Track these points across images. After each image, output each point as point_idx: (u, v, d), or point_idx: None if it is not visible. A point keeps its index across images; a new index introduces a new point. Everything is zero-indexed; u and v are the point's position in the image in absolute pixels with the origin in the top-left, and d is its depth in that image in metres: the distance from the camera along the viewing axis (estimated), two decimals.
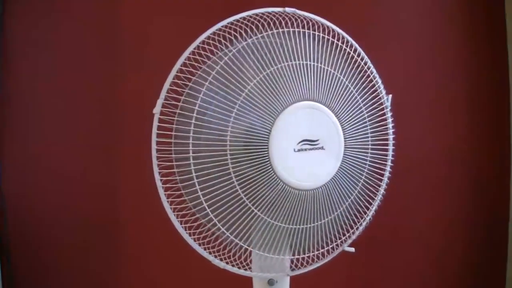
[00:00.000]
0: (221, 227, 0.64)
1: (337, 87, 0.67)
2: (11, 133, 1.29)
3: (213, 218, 0.64)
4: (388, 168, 0.73)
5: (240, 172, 0.62)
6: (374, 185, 0.72)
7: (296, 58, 0.65)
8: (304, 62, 0.65)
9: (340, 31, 0.69)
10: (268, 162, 0.63)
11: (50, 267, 1.29)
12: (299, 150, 0.64)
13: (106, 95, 1.27)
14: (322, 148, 0.65)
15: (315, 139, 0.65)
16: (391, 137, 0.74)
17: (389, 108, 0.73)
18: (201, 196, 0.63)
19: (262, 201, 0.64)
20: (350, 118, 0.68)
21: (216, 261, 0.67)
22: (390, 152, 0.74)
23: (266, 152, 0.63)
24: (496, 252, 1.19)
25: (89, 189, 1.28)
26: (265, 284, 0.72)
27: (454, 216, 1.20)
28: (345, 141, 0.67)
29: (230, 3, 1.21)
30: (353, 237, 0.71)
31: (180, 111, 0.64)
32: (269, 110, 0.63)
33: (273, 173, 0.63)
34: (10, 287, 1.27)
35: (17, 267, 1.28)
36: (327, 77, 0.66)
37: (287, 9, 0.67)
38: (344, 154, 0.67)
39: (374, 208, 0.72)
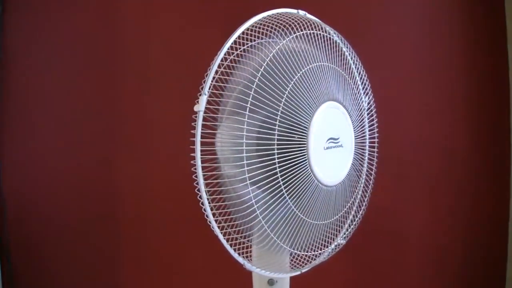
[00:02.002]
0: (267, 229, 0.62)
1: (347, 88, 0.71)
2: (11, 133, 1.29)
3: (261, 220, 0.61)
4: (374, 164, 0.77)
5: (285, 172, 0.62)
6: (368, 179, 0.77)
7: (319, 60, 0.67)
8: (326, 64, 0.68)
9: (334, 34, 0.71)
10: (307, 160, 0.63)
11: (50, 267, 1.29)
12: (327, 148, 0.66)
13: (107, 95, 1.27)
14: (341, 146, 0.69)
15: (337, 137, 0.68)
16: (375, 135, 0.77)
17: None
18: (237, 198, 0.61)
19: (299, 199, 0.64)
20: (356, 118, 0.72)
21: (248, 265, 0.65)
22: (376, 149, 0.78)
23: (304, 150, 0.63)
24: (496, 252, 1.19)
25: (89, 189, 1.27)
26: (265, 284, 0.72)
27: (454, 216, 1.20)
28: (355, 139, 0.72)
29: (230, 3, 1.21)
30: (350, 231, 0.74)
31: (224, 107, 0.64)
32: (305, 108, 0.64)
33: (309, 171, 0.64)
34: (10, 287, 1.27)
35: (17, 267, 1.28)
36: (341, 79, 0.70)
37: (300, 12, 0.68)
38: (355, 151, 0.72)
39: (366, 200, 0.76)
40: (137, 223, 1.26)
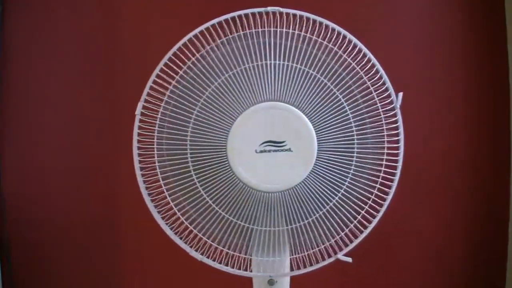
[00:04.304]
0: (184, 221, 0.67)
1: (312, 87, 0.65)
2: (11, 133, 1.29)
3: (177, 212, 0.68)
4: (381, 174, 0.69)
5: (200, 170, 0.65)
6: (362, 192, 0.68)
7: (264, 59, 0.64)
8: (273, 62, 0.64)
9: (330, 23, 0.67)
10: (226, 162, 0.64)
11: (50, 267, 1.29)
12: (261, 151, 0.64)
13: (107, 95, 1.27)
14: (289, 150, 0.64)
15: (280, 141, 0.64)
16: (386, 140, 0.69)
17: (398, 108, 0.69)
18: (165, 191, 0.68)
19: (223, 199, 0.66)
20: (327, 120, 0.65)
21: (193, 253, 0.69)
22: (385, 157, 0.68)
23: (224, 152, 0.64)
24: (496, 252, 1.19)
25: (89, 189, 1.27)
26: (265, 284, 0.72)
27: (454, 216, 1.20)
28: (319, 144, 0.65)
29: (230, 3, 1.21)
30: (334, 244, 0.69)
31: (161, 116, 0.68)
32: (228, 111, 0.64)
33: (231, 173, 0.64)
34: (10, 287, 1.27)
35: (17, 267, 1.28)
36: (301, 77, 0.65)
37: (269, 8, 0.67)
38: (318, 157, 0.65)
39: (360, 216, 0.69)
40: (137, 223, 1.26)
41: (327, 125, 0.65)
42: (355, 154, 0.66)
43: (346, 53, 0.67)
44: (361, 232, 0.69)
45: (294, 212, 0.66)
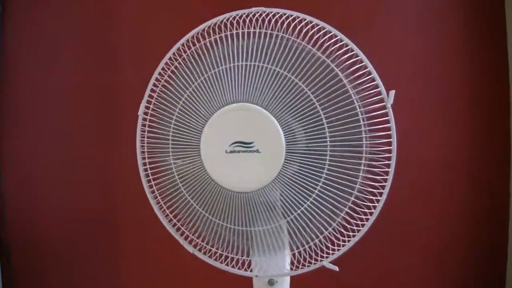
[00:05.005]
0: (169, 214, 0.72)
1: (282, 87, 0.63)
2: (11, 133, 1.29)
3: (165, 207, 0.72)
4: (359, 180, 0.64)
5: (180, 168, 0.68)
6: (334, 196, 0.64)
7: (235, 60, 0.65)
8: (243, 63, 0.64)
9: (317, 21, 0.64)
10: (200, 161, 0.66)
11: (50, 267, 1.29)
12: (231, 152, 0.64)
13: (107, 95, 1.27)
14: (257, 151, 0.64)
15: (249, 142, 0.64)
16: (367, 142, 0.64)
17: (390, 107, 0.65)
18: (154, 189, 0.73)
19: (200, 196, 0.68)
20: (297, 121, 0.63)
21: (186, 244, 0.72)
22: (363, 162, 0.64)
23: (197, 152, 0.66)
24: (496, 252, 1.19)
25: (89, 189, 1.27)
26: (265, 284, 0.72)
27: (454, 216, 1.20)
28: (288, 145, 0.63)
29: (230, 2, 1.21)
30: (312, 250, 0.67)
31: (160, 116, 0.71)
32: (201, 112, 0.66)
33: (205, 172, 0.66)
34: (10, 287, 1.27)
35: (17, 267, 1.28)
36: (270, 77, 0.64)
37: (253, 9, 0.67)
38: (286, 159, 0.63)
39: (337, 221, 0.65)
40: (137, 223, 1.26)
41: (296, 126, 0.63)
42: (327, 157, 0.63)
43: (323, 51, 0.64)
44: (340, 239, 0.65)
45: (263, 215, 0.65)
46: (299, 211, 0.65)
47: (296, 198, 0.65)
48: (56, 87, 1.28)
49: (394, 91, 0.64)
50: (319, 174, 0.64)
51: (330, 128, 0.63)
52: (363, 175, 0.64)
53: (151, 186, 0.73)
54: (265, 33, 0.65)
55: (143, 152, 0.72)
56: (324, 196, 0.64)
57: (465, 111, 1.19)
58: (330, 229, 0.65)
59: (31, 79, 1.28)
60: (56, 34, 1.28)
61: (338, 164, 0.64)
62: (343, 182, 0.64)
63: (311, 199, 0.64)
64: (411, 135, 1.18)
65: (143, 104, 0.71)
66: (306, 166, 0.64)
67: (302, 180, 0.64)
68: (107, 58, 1.26)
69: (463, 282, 1.21)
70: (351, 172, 0.64)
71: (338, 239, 0.66)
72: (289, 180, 0.64)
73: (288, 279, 0.74)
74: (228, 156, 0.64)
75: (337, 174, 0.64)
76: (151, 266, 1.28)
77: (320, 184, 0.64)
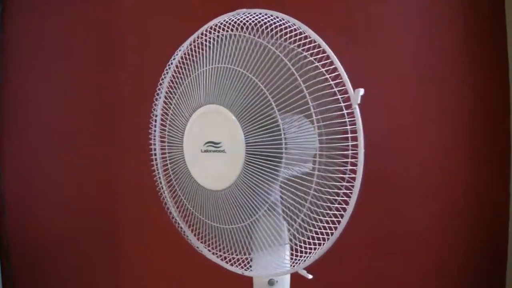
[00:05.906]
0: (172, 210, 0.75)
1: (243, 87, 0.63)
2: (11, 133, 1.29)
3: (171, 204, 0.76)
4: (313, 185, 0.60)
5: (174, 165, 0.72)
6: (297, 199, 0.61)
7: (212, 63, 0.67)
8: (216, 66, 0.66)
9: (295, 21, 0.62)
10: (183, 159, 0.70)
11: (50, 267, 1.29)
12: (205, 151, 0.67)
13: (107, 95, 1.27)
14: (223, 151, 0.65)
15: (217, 142, 0.66)
16: (320, 146, 0.60)
17: (357, 107, 0.57)
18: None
19: (188, 194, 0.71)
20: (255, 123, 0.62)
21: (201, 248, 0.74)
22: (316, 170, 0.60)
23: (180, 151, 0.70)
24: (496, 252, 1.19)
25: (89, 189, 1.27)
26: (265, 284, 0.72)
27: (454, 216, 1.20)
28: (248, 147, 0.62)
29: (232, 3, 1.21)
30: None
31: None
32: (184, 113, 0.70)
33: (188, 170, 0.70)
34: (10, 287, 1.27)
35: (17, 267, 1.28)
36: (233, 78, 0.64)
37: (239, 11, 0.68)
38: (247, 161, 0.62)
39: (297, 224, 0.62)
40: (137, 223, 1.26)
41: (254, 128, 0.62)
42: (283, 160, 0.61)
43: (281, 51, 0.61)
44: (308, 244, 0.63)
45: (232, 214, 0.66)
46: (257, 216, 0.64)
47: (255, 202, 0.64)
48: (56, 87, 1.28)
49: (362, 89, 0.57)
50: (275, 178, 0.62)
51: (286, 129, 0.61)
52: (317, 180, 0.60)
53: (170, 185, 0.75)
54: (235, 35, 0.66)
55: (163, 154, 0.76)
56: (282, 201, 0.63)
57: (465, 111, 1.19)
58: (289, 234, 0.63)
59: (31, 79, 1.28)
60: (56, 34, 1.28)
61: (294, 168, 0.62)
62: (299, 187, 0.61)
63: (267, 205, 0.63)
64: (411, 135, 1.18)
65: (159, 104, 0.77)
66: (263, 169, 0.62)
67: (260, 184, 0.63)
68: (107, 58, 1.26)
69: (463, 283, 1.21)
70: (306, 177, 0.61)
71: (306, 243, 0.63)
72: (249, 183, 0.63)
73: (288, 279, 0.74)
74: (202, 155, 0.67)
75: (295, 180, 0.61)
76: (151, 266, 1.28)
77: (275, 189, 0.63)
